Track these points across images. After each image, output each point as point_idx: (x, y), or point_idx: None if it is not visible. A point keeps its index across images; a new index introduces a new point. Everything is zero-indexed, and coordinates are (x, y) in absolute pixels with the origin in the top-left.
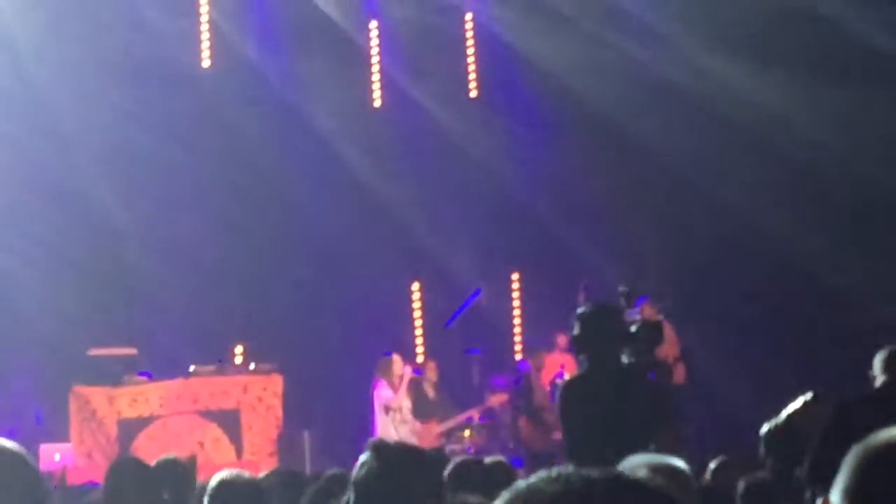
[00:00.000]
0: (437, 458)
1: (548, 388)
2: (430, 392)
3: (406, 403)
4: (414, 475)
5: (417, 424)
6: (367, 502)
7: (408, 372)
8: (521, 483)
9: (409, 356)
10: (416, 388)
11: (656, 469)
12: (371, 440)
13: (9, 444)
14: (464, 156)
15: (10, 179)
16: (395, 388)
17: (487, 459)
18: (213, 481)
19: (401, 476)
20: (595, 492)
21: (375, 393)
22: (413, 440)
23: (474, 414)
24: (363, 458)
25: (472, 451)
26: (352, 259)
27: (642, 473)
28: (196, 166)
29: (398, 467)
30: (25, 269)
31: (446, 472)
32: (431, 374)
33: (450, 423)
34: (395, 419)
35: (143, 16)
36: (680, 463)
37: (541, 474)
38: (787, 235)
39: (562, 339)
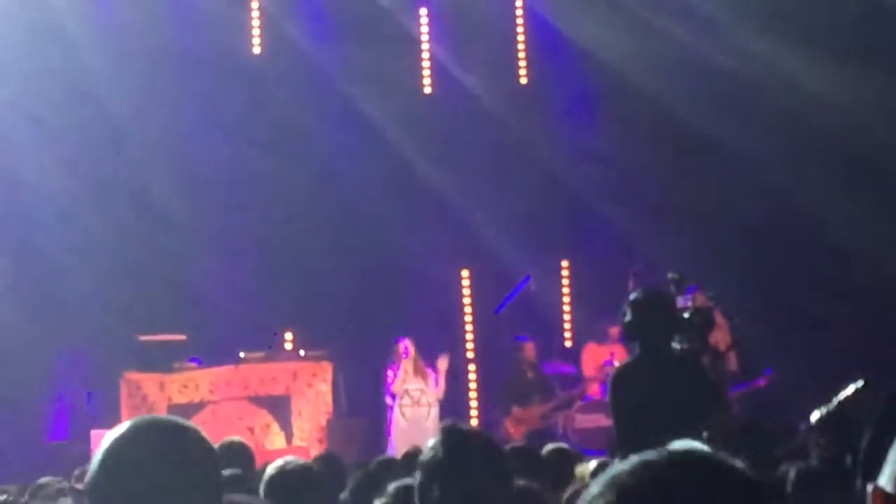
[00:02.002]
0: (502, 444)
1: (595, 375)
2: (529, 373)
3: (414, 386)
4: (480, 460)
5: (433, 410)
6: (435, 485)
7: (404, 355)
8: (612, 470)
9: (458, 343)
10: (419, 369)
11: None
12: (444, 423)
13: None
14: (514, 142)
15: (64, 169)
16: (403, 373)
17: (548, 447)
18: (271, 468)
19: (468, 461)
20: (684, 477)
21: (385, 380)
22: (427, 424)
23: (575, 395)
24: (433, 440)
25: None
26: (402, 246)
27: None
28: (246, 154)
29: (464, 451)
30: (77, 257)
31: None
32: (529, 354)
33: (550, 406)
34: (401, 404)
35: (194, 4)
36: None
37: (629, 461)
38: (841, 222)
39: (613, 329)
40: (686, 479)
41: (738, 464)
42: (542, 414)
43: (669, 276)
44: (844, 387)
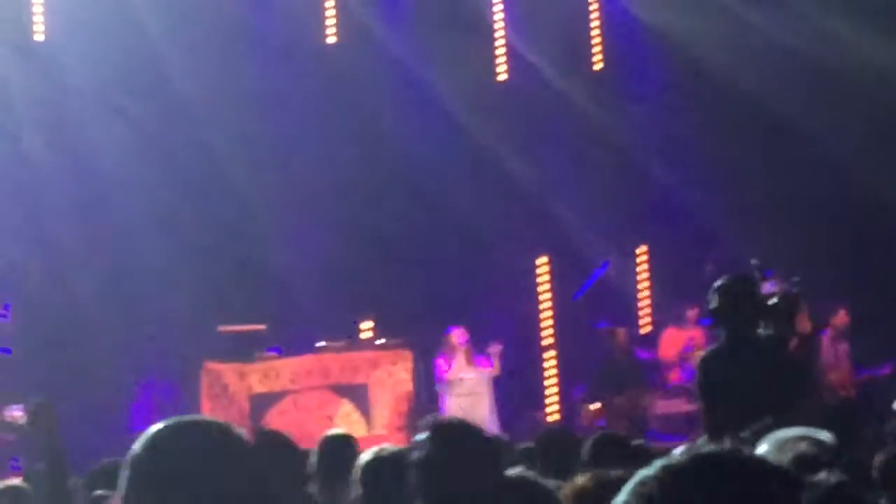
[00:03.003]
0: (491, 436)
1: (675, 360)
2: (623, 359)
3: (469, 375)
4: (468, 453)
5: (485, 399)
6: (426, 482)
7: (461, 344)
8: (637, 476)
9: (534, 329)
10: (470, 359)
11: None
12: (429, 418)
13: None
14: (590, 129)
15: (141, 160)
16: (451, 361)
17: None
18: (367, 455)
19: (455, 455)
20: (708, 480)
21: (437, 369)
22: (482, 413)
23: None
24: (420, 437)
25: (603, 424)
26: (479, 233)
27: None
28: (322, 143)
29: (451, 446)
30: (157, 248)
31: (587, 446)
32: (622, 340)
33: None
34: (455, 392)
35: None
36: (826, 436)
37: (653, 466)
38: None
39: (692, 313)
40: (709, 483)
41: (766, 463)
42: (635, 400)
43: (753, 262)
44: None
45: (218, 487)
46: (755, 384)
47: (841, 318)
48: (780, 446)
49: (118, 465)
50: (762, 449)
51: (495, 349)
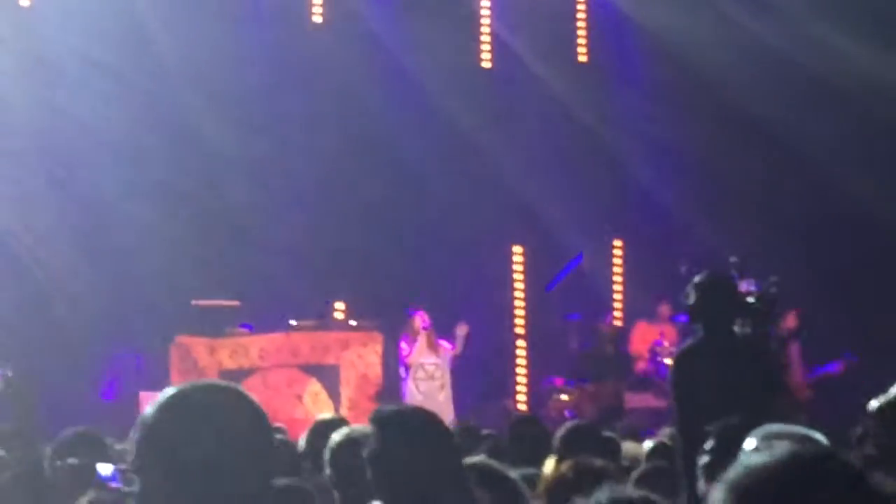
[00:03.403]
0: (439, 421)
1: (646, 356)
2: (609, 349)
3: (430, 360)
4: (417, 443)
5: (446, 384)
6: (380, 477)
7: (423, 328)
8: (730, 473)
9: (508, 318)
10: (432, 343)
11: (799, 440)
12: (373, 412)
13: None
14: (571, 120)
15: (120, 129)
16: (413, 345)
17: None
18: (337, 436)
19: (406, 445)
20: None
21: (400, 352)
22: (441, 398)
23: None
24: (370, 433)
25: (572, 415)
26: (456, 219)
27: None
28: (304, 122)
29: (399, 437)
30: (134, 219)
31: (559, 436)
32: (610, 330)
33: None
34: (416, 376)
35: None
36: (820, 436)
37: (763, 453)
38: None
39: (663, 309)
40: (812, 480)
41: (858, 463)
42: (616, 392)
43: (731, 260)
44: None
45: (228, 449)
46: (730, 382)
47: (791, 320)
48: (766, 441)
49: (87, 433)
50: (749, 444)
51: (461, 329)
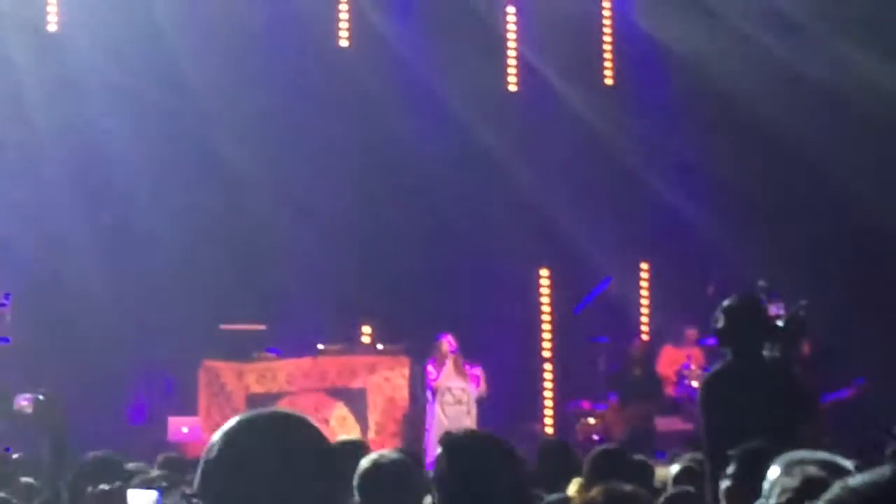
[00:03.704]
0: (508, 446)
1: (674, 380)
2: (637, 371)
3: (457, 384)
4: (486, 467)
5: (473, 409)
6: (447, 499)
7: (451, 351)
8: (848, 483)
9: (535, 341)
10: (459, 368)
11: (823, 466)
12: (442, 435)
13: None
14: (597, 143)
15: (149, 155)
16: (440, 369)
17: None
18: (365, 462)
19: (473, 470)
20: None
21: (427, 376)
22: (467, 422)
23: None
24: (438, 453)
25: (601, 439)
26: (483, 242)
27: (813, 471)
28: (330, 144)
29: (469, 461)
30: (158, 244)
31: (588, 460)
32: (637, 352)
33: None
34: (442, 400)
35: None
36: (847, 463)
37: (866, 475)
38: None
39: (690, 333)
40: None
41: None
42: (645, 414)
43: (760, 284)
44: None
45: (292, 477)
46: (759, 406)
47: (805, 347)
48: (789, 468)
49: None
50: (773, 472)
51: (478, 371)
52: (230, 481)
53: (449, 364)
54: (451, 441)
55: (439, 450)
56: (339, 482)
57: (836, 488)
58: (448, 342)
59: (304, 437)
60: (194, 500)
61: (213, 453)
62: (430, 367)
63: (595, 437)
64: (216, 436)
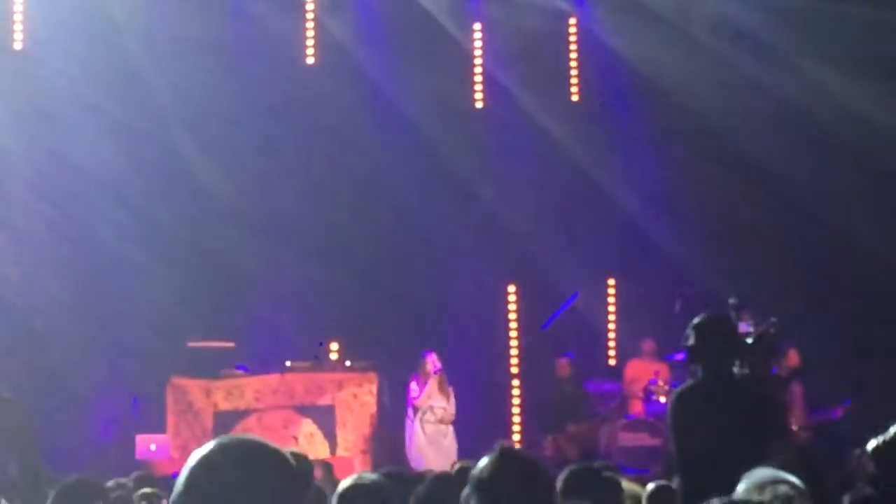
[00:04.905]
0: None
1: (641, 396)
2: (567, 389)
3: (439, 403)
4: (532, 483)
5: (450, 429)
6: (477, 499)
7: (434, 371)
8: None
9: (503, 357)
10: (443, 387)
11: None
12: (499, 443)
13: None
14: (564, 160)
15: (118, 170)
16: (423, 387)
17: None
18: (345, 483)
19: (520, 482)
20: None
21: (409, 392)
22: (445, 443)
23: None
24: (488, 458)
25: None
26: (450, 258)
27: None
28: (297, 162)
29: (519, 473)
30: (126, 262)
31: (561, 478)
32: (563, 371)
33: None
34: (423, 418)
35: (251, 10)
36: (796, 480)
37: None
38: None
39: (647, 346)
40: None
41: None
42: (588, 431)
43: (731, 301)
44: None
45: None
46: (729, 423)
47: (792, 358)
48: (760, 486)
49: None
50: (741, 488)
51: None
52: None
53: (432, 383)
54: (505, 451)
55: (491, 454)
56: None
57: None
58: (432, 361)
59: (271, 466)
60: None
61: (188, 478)
62: (413, 384)
63: (569, 454)
64: (184, 470)
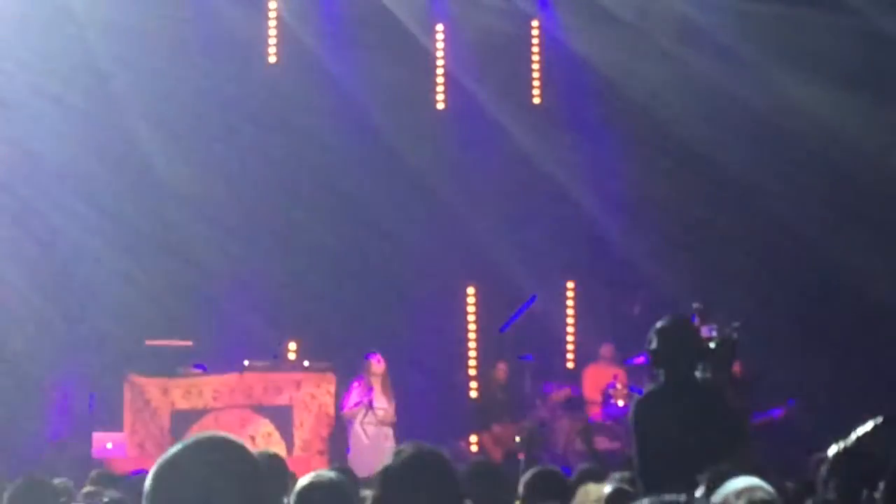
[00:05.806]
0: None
1: (600, 400)
2: (499, 394)
3: (381, 404)
4: (426, 478)
5: (390, 431)
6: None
7: (377, 372)
8: None
9: (462, 359)
10: (386, 389)
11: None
12: (404, 444)
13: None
14: (525, 161)
15: (79, 164)
16: (368, 388)
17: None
18: (301, 482)
19: (413, 479)
20: None
21: (349, 393)
22: (387, 445)
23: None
24: (392, 455)
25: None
26: (409, 259)
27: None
28: (257, 160)
29: (417, 468)
30: (85, 256)
31: (523, 481)
32: (500, 375)
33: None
34: (364, 420)
35: (213, 9)
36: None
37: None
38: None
39: (605, 350)
40: None
41: None
42: (513, 434)
43: (694, 305)
44: (864, 422)
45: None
46: (691, 427)
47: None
48: (737, 494)
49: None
50: (719, 495)
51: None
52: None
53: (376, 384)
54: (408, 448)
55: (395, 452)
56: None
57: None
58: (375, 362)
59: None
60: None
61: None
62: (355, 384)
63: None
64: (159, 460)
